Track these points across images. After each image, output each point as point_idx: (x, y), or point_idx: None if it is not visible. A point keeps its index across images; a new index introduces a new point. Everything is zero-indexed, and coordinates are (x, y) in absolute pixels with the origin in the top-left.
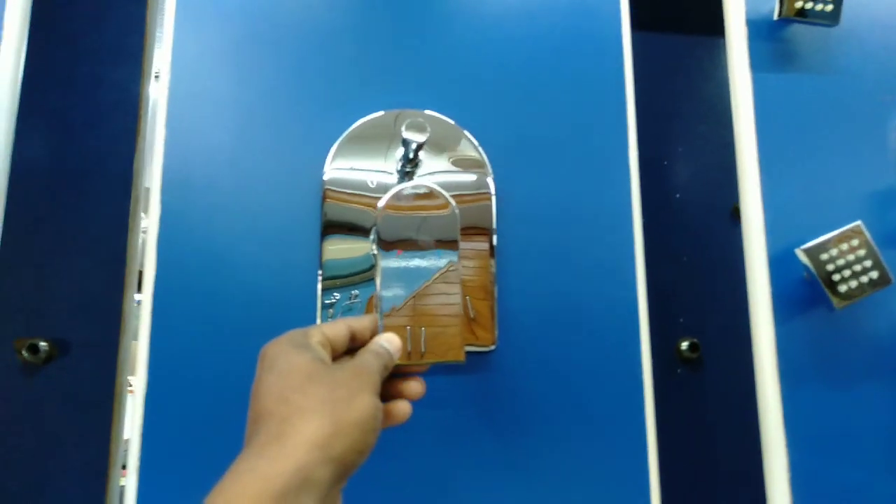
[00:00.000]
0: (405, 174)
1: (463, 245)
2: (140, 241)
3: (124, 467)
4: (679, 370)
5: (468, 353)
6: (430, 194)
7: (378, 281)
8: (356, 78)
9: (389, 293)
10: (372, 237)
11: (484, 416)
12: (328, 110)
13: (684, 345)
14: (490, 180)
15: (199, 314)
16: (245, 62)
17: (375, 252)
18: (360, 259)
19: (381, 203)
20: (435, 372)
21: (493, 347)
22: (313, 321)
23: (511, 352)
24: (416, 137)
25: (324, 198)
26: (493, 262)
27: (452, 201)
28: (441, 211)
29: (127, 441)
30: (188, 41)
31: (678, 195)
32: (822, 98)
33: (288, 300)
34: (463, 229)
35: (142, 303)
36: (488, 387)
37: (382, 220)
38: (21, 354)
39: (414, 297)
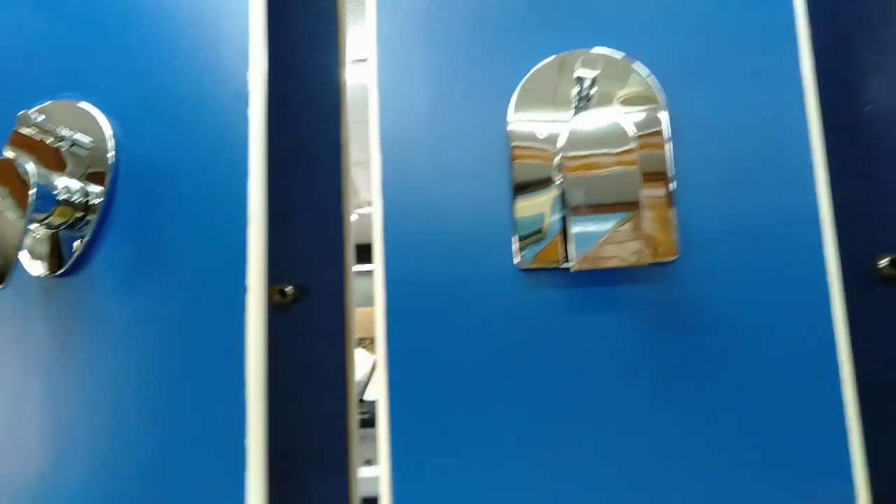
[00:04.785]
0: (579, 111)
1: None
2: (351, 204)
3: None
4: (880, 287)
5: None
6: (610, 127)
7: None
8: (523, 28)
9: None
10: (557, 183)
11: (665, 322)
12: (503, 63)
13: (883, 262)
14: (663, 113)
15: (416, 259)
16: (433, 35)
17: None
18: (545, 212)
19: (559, 143)
20: (621, 280)
21: (674, 258)
22: (510, 256)
23: (691, 264)
24: (588, 73)
25: (511, 154)
26: (671, 184)
27: (632, 128)
28: (622, 148)
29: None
30: (386, 24)
31: (868, 107)
32: None
33: (487, 243)
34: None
35: (374, 244)
36: (670, 294)
37: (567, 184)
38: (273, 298)
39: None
